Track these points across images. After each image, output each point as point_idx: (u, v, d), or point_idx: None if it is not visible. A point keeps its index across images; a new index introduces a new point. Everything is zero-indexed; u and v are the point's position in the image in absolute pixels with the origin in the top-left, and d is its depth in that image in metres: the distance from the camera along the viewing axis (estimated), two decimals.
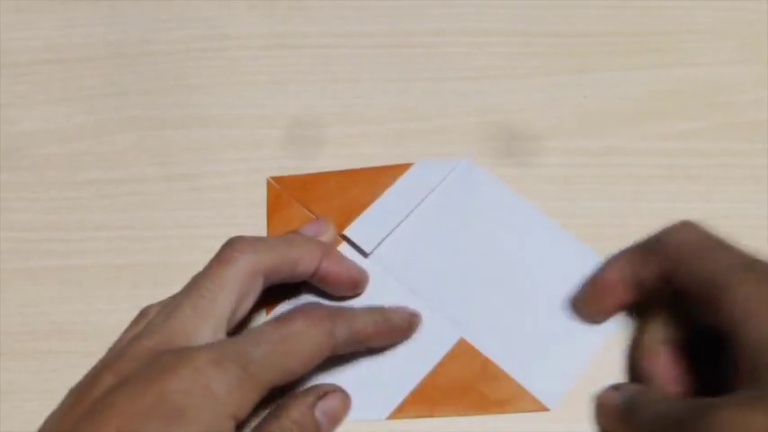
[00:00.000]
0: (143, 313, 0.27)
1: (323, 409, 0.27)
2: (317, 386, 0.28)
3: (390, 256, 0.32)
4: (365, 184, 0.33)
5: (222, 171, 0.34)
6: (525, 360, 0.29)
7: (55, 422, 0.23)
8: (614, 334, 0.30)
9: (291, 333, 0.25)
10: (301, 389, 0.28)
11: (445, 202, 0.33)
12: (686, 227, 0.27)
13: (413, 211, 0.32)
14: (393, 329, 0.29)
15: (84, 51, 0.37)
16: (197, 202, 0.33)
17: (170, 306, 0.25)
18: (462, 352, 0.30)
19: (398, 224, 0.32)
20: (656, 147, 0.34)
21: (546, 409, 0.28)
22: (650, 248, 0.27)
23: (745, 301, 0.23)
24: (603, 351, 0.30)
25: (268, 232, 0.32)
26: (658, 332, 0.27)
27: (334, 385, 0.28)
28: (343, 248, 0.32)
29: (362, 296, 0.31)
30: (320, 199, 0.33)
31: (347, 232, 0.32)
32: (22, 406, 0.29)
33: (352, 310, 0.28)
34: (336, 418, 0.27)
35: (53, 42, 0.37)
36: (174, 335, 0.24)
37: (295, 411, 0.26)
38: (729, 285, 0.24)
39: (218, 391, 0.22)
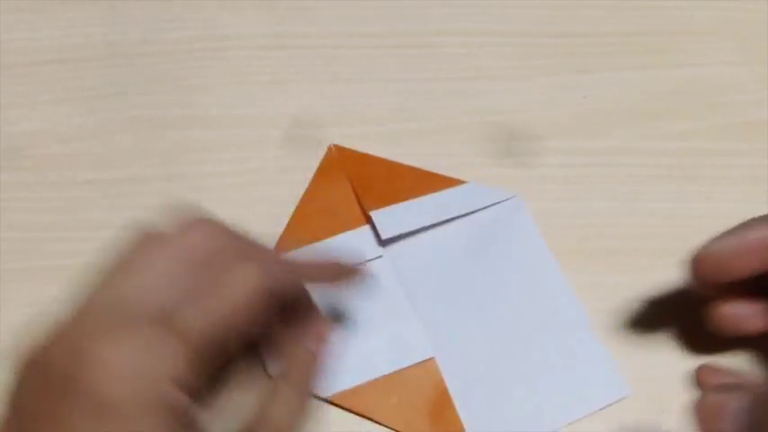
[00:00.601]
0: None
1: (323, 354, 0.27)
2: (316, 334, 0.27)
3: (403, 255, 0.31)
4: (413, 183, 0.33)
5: (222, 171, 0.34)
6: (480, 409, 0.28)
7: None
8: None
9: (218, 274, 0.22)
10: None
11: (477, 229, 0.32)
12: None
13: (444, 223, 0.32)
14: (334, 270, 0.27)
15: (84, 51, 0.37)
16: (197, 202, 0.33)
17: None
18: (426, 371, 0.29)
19: (424, 229, 0.32)
20: (656, 147, 0.34)
21: None
22: None
23: None
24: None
25: (307, 193, 0.33)
26: None
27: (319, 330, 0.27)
28: (362, 232, 0.32)
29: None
30: (367, 179, 0.33)
31: (373, 213, 0.31)
32: None
33: (288, 257, 0.27)
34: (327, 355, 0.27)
35: (53, 42, 0.37)
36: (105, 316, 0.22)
37: (301, 367, 0.26)
38: None
39: (144, 366, 0.20)
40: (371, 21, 0.38)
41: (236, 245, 0.24)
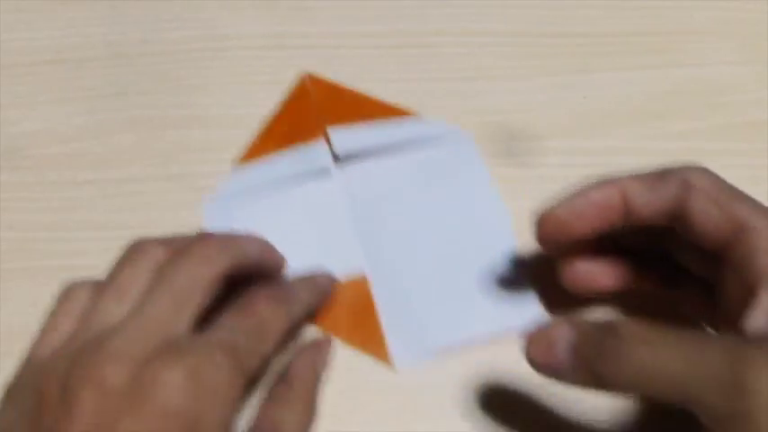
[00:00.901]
0: (71, 292, 0.24)
1: (320, 363, 0.28)
2: (308, 345, 0.29)
3: (353, 175, 0.33)
4: (375, 112, 0.34)
5: (222, 171, 0.34)
6: (403, 316, 0.30)
7: None
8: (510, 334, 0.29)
9: (261, 320, 0.25)
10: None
11: (427, 160, 0.33)
12: (702, 168, 0.25)
13: (396, 151, 0.33)
14: (325, 295, 0.30)
15: (84, 51, 0.37)
16: (197, 201, 0.33)
17: (123, 287, 0.24)
18: (357, 284, 0.31)
19: (377, 154, 0.33)
20: (656, 147, 0.34)
21: (391, 366, 0.29)
22: (662, 177, 0.25)
23: None
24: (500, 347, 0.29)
25: (274, 114, 0.34)
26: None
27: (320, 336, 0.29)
28: (318, 146, 0.33)
29: (305, 206, 0.32)
30: (333, 105, 0.35)
31: (330, 129, 0.33)
32: None
33: (291, 285, 0.29)
34: (328, 363, 0.29)
35: (53, 42, 0.37)
36: (148, 331, 0.22)
37: (303, 373, 0.28)
38: (756, 227, 0.23)
39: (219, 387, 0.22)
40: (371, 21, 0.38)
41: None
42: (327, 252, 0.31)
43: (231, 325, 0.24)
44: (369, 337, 0.30)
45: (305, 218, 0.32)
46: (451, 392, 0.29)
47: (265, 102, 0.35)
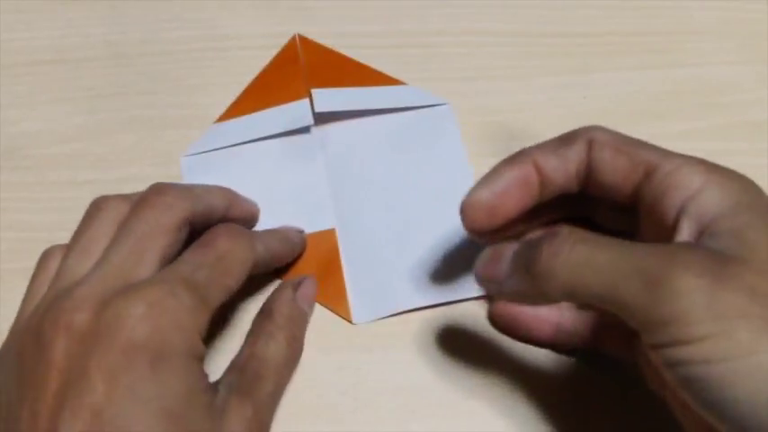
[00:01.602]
0: (45, 257, 0.26)
1: (302, 297, 0.29)
2: (289, 281, 0.30)
3: (331, 134, 0.34)
4: (360, 76, 0.35)
5: None
6: (366, 272, 0.31)
7: (22, 404, 0.22)
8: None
9: (222, 252, 0.25)
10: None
11: (404, 124, 0.34)
12: (598, 127, 0.26)
13: (376, 114, 0.34)
14: (293, 246, 0.30)
15: (84, 51, 0.37)
16: None
17: (88, 244, 0.25)
18: (323, 239, 0.32)
19: (356, 116, 0.34)
20: None
21: (349, 320, 0.30)
22: (566, 140, 0.26)
23: (689, 176, 0.23)
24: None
25: (261, 72, 0.35)
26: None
27: (300, 276, 0.30)
28: (300, 105, 0.34)
29: (281, 161, 0.33)
30: (319, 66, 0.35)
31: (314, 90, 0.34)
32: None
33: (255, 231, 0.30)
34: (313, 301, 0.30)
35: (53, 42, 0.37)
36: (112, 276, 0.23)
37: (284, 307, 0.28)
38: (665, 166, 0.23)
39: (181, 319, 0.22)
40: (371, 21, 0.38)
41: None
42: (300, 205, 0.32)
43: (191, 259, 0.25)
44: (331, 290, 0.31)
45: (280, 172, 0.33)
46: (451, 393, 0.29)
47: None
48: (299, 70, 0.35)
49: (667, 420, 0.25)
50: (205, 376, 0.24)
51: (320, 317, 0.30)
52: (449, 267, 0.31)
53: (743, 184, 0.23)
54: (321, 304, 0.31)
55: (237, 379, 0.25)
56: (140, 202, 0.25)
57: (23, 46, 0.37)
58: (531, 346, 0.29)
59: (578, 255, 0.21)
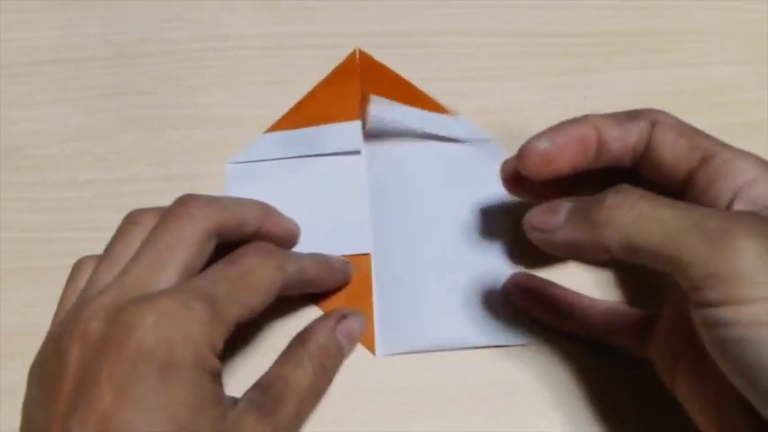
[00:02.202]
0: (77, 267, 0.26)
1: (343, 331, 0.29)
2: (335, 310, 0.29)
3: (379, 155, 0.33)
4: (416, 101, 0.34)
5: (222, 171, 0.34)
6: (395, 305, 0.30)
7: (41, 409, 0.22)
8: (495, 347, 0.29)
9: (247, 269, 0.25)
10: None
11: (453, 155, 0.33)
12: (662, 111, 0.26)
13: (427, 141, 0.34)
14: (333, 273, 0.30)
15: (84, 51, 0.37)
16: None
17: (116, 257, 0.25)
18: (358, 264, 0.31)
19: (407, 139, 0.34)
20: None
21: (372, 351, 0.30)
22: (631, 115, 0.26)
23: (744, 166, 0.23)
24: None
25: (318, 85, 0.35)
26: None
27: (349, 310, 0.30)
28: (351, 126, 0.33)
29: (326, 179, 0.33)
30: (376, 84, 0.34)
31: (373, 95, 0.33)
32: None
33: (295, 252, 0.30)
34: (355, 338, 0.29)
35: (53, 42, 0.37)
36: (130, 287, 0.23)
37: (319, 335, 0.28)
38: (722, 154, 0.24)
39: (193, 331, 0.22)
40: (371, 21, 0.38)
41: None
42: (338, 226, 0.32)
43: (213, 274, 0.25)
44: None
45: (323, 189, 0.33)
46: (451, 393, 0.29)
47: (265, 102, 0.35)
48: (356, 88, 0.34)
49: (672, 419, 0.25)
50: (217, 390, 0.23)
51: None
52: (480, 311, 0.30)
53: None
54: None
55: (260, 397, 0.25)
56: (166, 214, 0.25)
57: (23, 46, 0.37)
58: (530, 347, 0.29)
59: (641, 207, 0.22)
